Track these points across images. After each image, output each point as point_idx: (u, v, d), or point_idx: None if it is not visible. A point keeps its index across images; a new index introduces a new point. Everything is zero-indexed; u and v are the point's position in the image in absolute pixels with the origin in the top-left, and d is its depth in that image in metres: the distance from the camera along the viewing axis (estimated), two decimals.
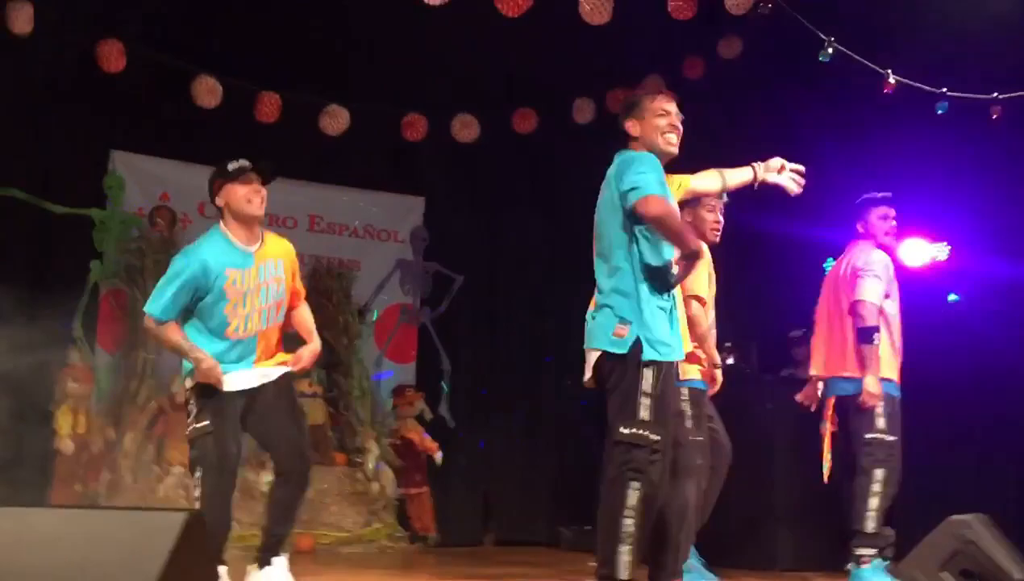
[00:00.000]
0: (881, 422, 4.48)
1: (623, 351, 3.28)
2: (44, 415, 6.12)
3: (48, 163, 6.36)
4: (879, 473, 4.42)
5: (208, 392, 3.69)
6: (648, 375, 3.25)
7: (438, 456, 7.06)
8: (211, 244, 3.78)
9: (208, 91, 6.47)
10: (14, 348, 5.48)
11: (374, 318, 7.55)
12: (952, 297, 5.88)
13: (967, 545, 3.38)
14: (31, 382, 5.90)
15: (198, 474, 3.65)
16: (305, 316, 4.11)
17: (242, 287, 3.75)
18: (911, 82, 5.42)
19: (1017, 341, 5.47)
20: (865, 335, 4.51)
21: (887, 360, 4.63)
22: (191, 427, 3.72)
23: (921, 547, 3.54)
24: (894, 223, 4.84)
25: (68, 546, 2.37)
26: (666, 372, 3.32)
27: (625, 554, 3.13)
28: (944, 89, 5.52)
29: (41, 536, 2.41)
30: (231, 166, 3.83)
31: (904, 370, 4.67)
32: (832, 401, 4.70)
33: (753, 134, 5.99)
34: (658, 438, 3.21)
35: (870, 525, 4.37)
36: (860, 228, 4.87)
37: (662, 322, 3.35)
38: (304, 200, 7.43)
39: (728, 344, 5.44)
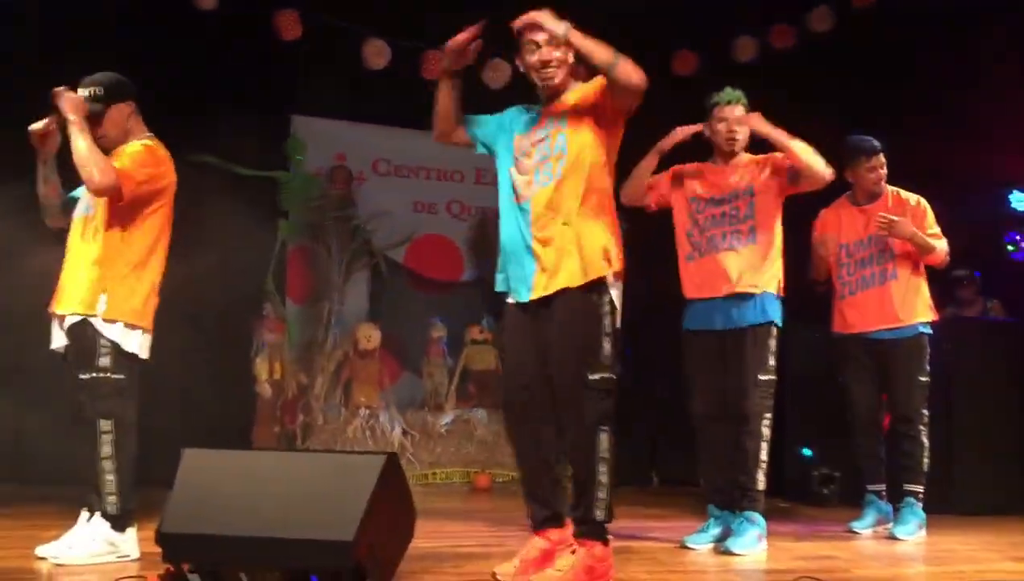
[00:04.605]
0: None
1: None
2: (245, 363, 6.66)
3: (236, 131, 6.81)
4: None
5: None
6: None
7: None
8: None
9: (377, 53, 6.78)
10: (215, 304, 6.00)
11: None
12: None
13: None
14: (233, 334, 6.45)
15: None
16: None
17: None
18: None
19: None
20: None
21: None
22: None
23: None
24: (883, 172, 4.62)
25: (284, 485, 2.63)
26: (505, 313, 3.28)
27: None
28: None
29: (262, 476, 2.67)
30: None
31: None
32: None
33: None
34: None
35: None
36: (849, 177, 4.68)
37: (504, 260, 3.28)
38: (471, 154, 7.63)
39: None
